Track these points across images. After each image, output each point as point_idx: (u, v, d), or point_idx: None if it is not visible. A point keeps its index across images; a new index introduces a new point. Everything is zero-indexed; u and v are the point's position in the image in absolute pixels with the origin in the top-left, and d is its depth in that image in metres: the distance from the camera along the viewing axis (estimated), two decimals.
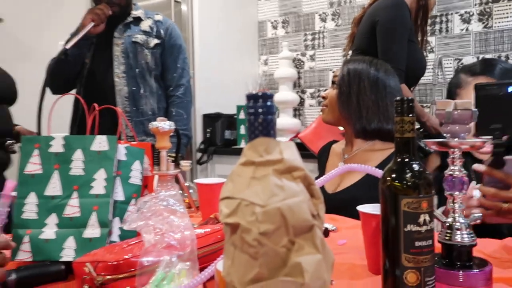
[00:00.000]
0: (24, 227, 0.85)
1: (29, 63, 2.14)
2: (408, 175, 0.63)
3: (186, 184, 1.42)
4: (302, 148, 2.09)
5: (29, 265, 0.79)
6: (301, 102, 3.04)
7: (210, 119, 2.67)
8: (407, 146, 0.65)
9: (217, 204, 1.27)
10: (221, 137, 2.65)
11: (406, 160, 0.65)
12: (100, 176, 0.87)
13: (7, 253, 0.71)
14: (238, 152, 2.64)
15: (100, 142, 0.89)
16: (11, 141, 1.58)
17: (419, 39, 2.04)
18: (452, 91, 1.38)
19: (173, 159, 1.35)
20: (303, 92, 3.06)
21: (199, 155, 2.67)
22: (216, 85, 2.80)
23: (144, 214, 0.71)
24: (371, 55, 1.87)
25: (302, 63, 3.06)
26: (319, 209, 0.45)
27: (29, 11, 2.83)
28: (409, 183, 0.63)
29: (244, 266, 0.41)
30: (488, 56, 2.40)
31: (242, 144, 2.69)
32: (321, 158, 1.56)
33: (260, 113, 0.44)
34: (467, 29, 2.48)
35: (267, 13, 3.23)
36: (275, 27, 3.20)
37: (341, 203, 1.23)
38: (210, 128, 2.65)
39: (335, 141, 1.57)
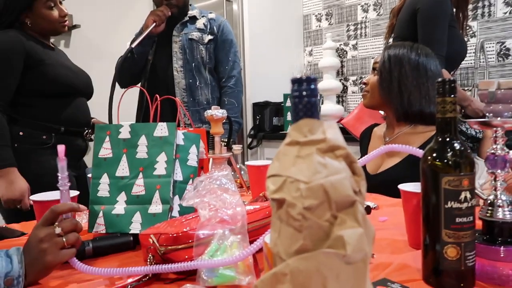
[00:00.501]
0: (99, 203, 0.89)
1: (101, 62, 2.22)
2: (449, 153, 0.59)
3: (238, 166, 1.43)
4: (345, 133, 2.04)
5: (103, 236, 0.83)
6: (344, 90, 2.96)
7: (259, 107, 2.67)
8: (449, 126, 0.61)
9: (266, 184, 1.27)
10: (270, 124, 2.65)
11: (448, 139, 0.61)
12: (162, 159, 0.89)
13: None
14: (285, 136, 2.61)
15: (162, 129, 0.91)
16: (88, 131, 1.67)
17: (460, 24, 1.91)
18: None
19: (226, 143, 1.36)
20: (346, 80, 2.98)
21: (249, 140, 2.68)
22: (265, 76, 2.78)
23: (200, 192, 0.72)
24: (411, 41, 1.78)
25: (345, 52, 2.97)
26: (361, 185, 0.43)
27: (101, 17, 2.95)
28: (450, 162, 0.59)
29: (289, 239, 0.41)
30: None
31: (289, 129, 2.67)
32: (363, 141, 1.51)
33: (304, 95, 0.43)
34: (510, 12, 2.29)
35: (311, 7, 3.15)
36: (319, 20, 3.13)
37: (382, 184, 1.19)
38: (259, 116, 2.65)
39: (376, 125, 1.52)
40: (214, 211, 0.69)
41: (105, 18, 2.96)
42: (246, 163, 1.31)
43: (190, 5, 1.95)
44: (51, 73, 1.54)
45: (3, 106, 1.47)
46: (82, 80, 1.67)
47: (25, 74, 1.51)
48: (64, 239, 0.68)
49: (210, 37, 1.89)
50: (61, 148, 0.70)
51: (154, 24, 1.73)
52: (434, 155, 0.60)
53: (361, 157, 1.44)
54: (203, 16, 1.93)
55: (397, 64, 1.27)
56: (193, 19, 1.91)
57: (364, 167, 1.33)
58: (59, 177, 0.72)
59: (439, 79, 0.61)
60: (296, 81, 0.43)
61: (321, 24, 3.11)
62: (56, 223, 0.69)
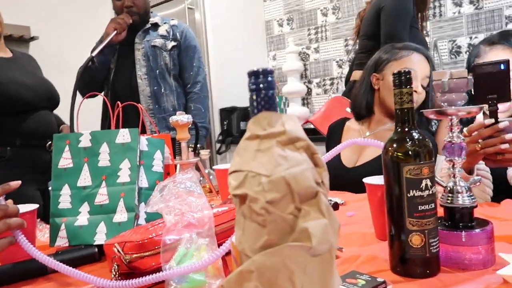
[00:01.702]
0: (60, 216, 0.84)
1: (62, 73, 2.14)
2: (408, 143, 0.60)
3: (206, 171, 1.41)
4: (313, 133, 2.05)
5: (65, 250, 0.79)
6: (309, 92, 2.99)
7: (227, 112, 2.65)
8: (407, 117, 0.62)
9: (228, 181, 1.24)
10: (237, 128, 2.63)
11: (406, 129, 0.62)
12: (125, 166, 0.86)
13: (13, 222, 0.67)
14: None
15: (124, 135, 0.88)
16: (51, 142, 1.58)
17: (420, 25, 1.98)
18: (471, 61, 1.30)
19: (193, 149, 1.34)
20: (310, 82, 3.01)
21: (218, 145, 2.66)
22: (230, 81, 2.77)
23: (164, 197, 0.69)
24: (376, 40, 1.83)
25: (307, 55, 3.01)
26: (323, 176, 0.42)
27: (60, 27, 2.85)
28: (409, 151, 0.59)
29: (253, 234, 0.39)
30: (481, 36, 2.31)
31: (248, 124, 2.66)
32: (332, 135, 1.49)
33: (261, 88, 0.41)
34: (459, 12, 2.39)
35: (273, 13, 3.18)
36: (280, 25, 3.15)
37: (359, 178, 1.18)
38: (226, 121, 2.63)
39: (347, 119, 1.51)
40: (180, 215, 0.67)
41: (64, 28, 2.86)
42: (214, 167, 1.29)
43: (151, 12, 1.92)
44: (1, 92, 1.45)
45: None
46: (40, 93, 1.57)
47: None
48: None
49: (173, 43, 1.86)
50: None
51: (115, 32, 1.69)
52: (394, 146, 0.61)
53: (328, 150, 1.44)
54: (165, 23, 1.90)
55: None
56: (155, 26, 1.88)
57: (340, 160, 1.33)
58: None
59: (395, 71, 0.62)
60: (252, 74, 0.42)
61: (283, 29, 3.14)
62: None
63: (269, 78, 0.42)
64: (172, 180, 0.72)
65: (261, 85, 0.41)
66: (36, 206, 0.86)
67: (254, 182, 0.39)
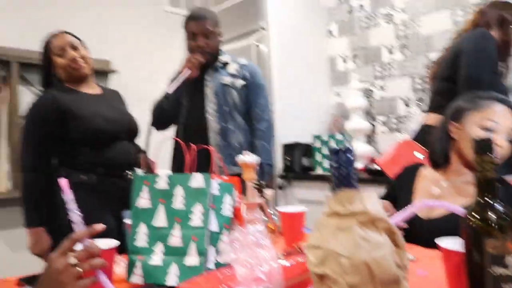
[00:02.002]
0: (136, 253, 0.90)
1: (137, 105, 2.30)
2: (492, 215, 0.57)
3: (270, 211, 1.42)
4: (378, 174, 2.00)
5: None
6: (373, 130, 2.94)
7: (289, 148, 2.67)
8: (489, 186, 0.59)
9: (298, 230, 1.24)
10: (299, 164, 2.64)
11: (488, 199, 0.59)
12: (198, 210, 0.90)
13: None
14: (315, 177, 2.63)
15: (198, 180, 0.93)
16: (129, 173, 1.69)
17: (502, 71, 1.87)
18: None
19: (258, 186, 1.36)
20: (374, 119, 2.95)
21: (280, 181, 2.67)
22: (294, 117, 2.81)
23: (235, 248, 0.72)
24: (454, 83, 1.76)
25: (372, 92, 2.97)
26: (403, 258, 0.42)
27: (137, 63, 3.09)
28: (493, 224, 0.57)
29: None
30: None
31: (319, 170, 2.65)
32: (404, 178, 1.42)
33: (341, 165, 0.43)
34: None
35: (338, 49, 3.20)
36: (345, 61, 3.16)
37: (434, 232, 1.10)
38: (289, 156, 2.65)
39: (421, 164, 1.43)
40: (249, 269, 0.69)
41: (141, 62, 3.10)
42: (278, 208, 1.31)
43: (221, 51, 2.02)
44: (85, 125, 1.57)
45: (40, 168, 1.57)
46: (120, 126, 1.69)
47: (62, 126, 1.56)
48: (80, 269, 0.66)
49: (242, 82, 1.94)
50: (63, 182, 0.71)
51: (189, 70, 1.80)
52: (476, 215, 0.58)
53: (402, 194, 1.36)
54: (235, 62, 1.98)
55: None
56: (225, 64, 1.97)
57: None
58: (68, 209, 0.71)
59: (476, 138, 0.60)
60: (333, 151, 0.43)
61: (347, 65, 3.14)
62: (71, 253, 0.68)
63: (349, 156, 0.43)
64: (243, 231, 0.75)
65: (341, 163, 0.43)
66: (116, 243, 0.92)
67: (335, 262, 0.40)
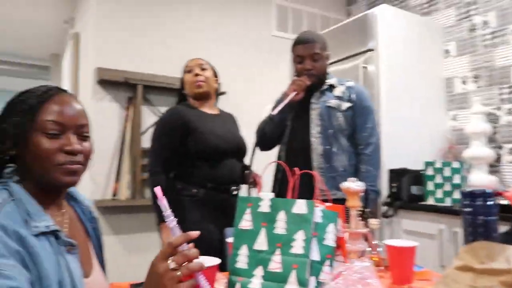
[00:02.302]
0: (237, 274, 0.90)
1: (244, 124, 2.37)
2: None
3: (375, 242, 1.32)
4: (506, 209, 1.73)
5: None
6: (498, 159, 2.59)
7: (397, 174, 2.49)
8: None
9: (407, 268, 1.13)
10: (407, 192, 2.44)
11: None
12: (300, 237, 0.87)
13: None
14: (426, 208, 2.39)
15: (300, 206, 0.90)
16: (234, 188, 1.82)
17: None
18: None
19: (361, 213, 1.28)
20: (500, 147, 2.61)
21: (384, 208, 2.50)
22: (403, 141, 2.62)
23: (340, 285, 0.67)
24: None
25: (497, 117, 2.64)
26: None
27: (245, 85, 3.23)
28: None
29: None
30: None
31: (430, 200, 2.42)
32: None
33: (480, 213, 0.36)
34: None
35: (455, 69, 2.93)
36: (464, 82, 2.87)
37: None
38: (396, 183, 2.47)
39: None
40: None
41: (248, 84, 3.23)
42: (384, 242, 1.21)
43: (328, 74, 1.99)
44: (201, 140, 1.77)
45: (161, 170, 1.80)
46: (230, 144, 1.84)
47: (183, 139, 1.75)
48: (179, 273, 0.68)
49: (348, 104, 1.88)
50: (157, 190, 0.73)
51: (295, 93, 1.80)
52: None
53: None
54: (341, 84, 1.94)
55: None
56: (331, 87, 1.94)
57: None
58: (164, 215, 0.73)
59: None
60: (469, 195, 0.37)
61: (467, 87, 2.85)
62: (171, 258, 0.69)
63: (489, 202, 0.36)
64: (348, 267, 0.69)
65: (479, 209, 0.36)
66: (217, 261, 0.93)
67: None
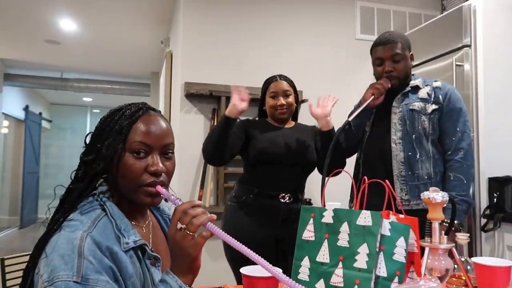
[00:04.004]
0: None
1: None
2: None
3: (463, 259, 1.18)
4: None
5: None
6: None
7: (498, 183, 2.21)
8: None
9: None
10: (511, 203, 2.15)
11: None
12: (363, 250, 0.82)
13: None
14: None
15: (365, 217, 0.84)
16: (284, 194, 1.79)
17: None
18: None
19: (448, 226, 1.16)
20: None
21: (484, 221, 2.23)
22: (505, 146, 2.32)
23: None
24: None
25: None
26: None
27: (324, 91, 3.16)
28: None
29: None
30: None
31: None
32: None
33: None
34: None
35: None
36: None
37: None
38: (497, 193, 2.19)
39: None
40: None
41: (328, 90, 3.14)
42: (473, 259, 1.07)
43: (413, 75, 1.84)
44: (257, 147, 1.82)
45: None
46: (284, 151, 1.82)
47: (243, 146, 1.86)
48: (188, 232, 0.74)
49: (434, 106, 1.72)
50: (161, 190, 0.83)
51: (373, 97, 1.71)
52: None
53: None
54: (427, 85, 1.78)
55: None
56: (416, 88, 1.79)
57: None
58: (171, 200, 0.81)
59: None
60: None
61: None
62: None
63: None
64: (412, 286, 0.63)
65: None
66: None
67: None
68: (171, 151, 0.91)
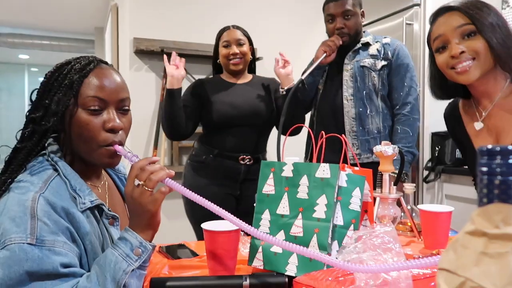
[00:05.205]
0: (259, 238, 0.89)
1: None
2: None
3: (409, 207, 1.26)
4: None
5: (259, 273, 0.82)
6: None
7: (440, 138, 2.36)
8: None
9: (441, 233, 1.06)
10: (451, 156, 2.31)
11: None
12: (322, 202, 0.84)
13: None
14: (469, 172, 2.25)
15: (324, 170, 0.86)
16: (244, 156, 1.77)
17: None
18: None
19: (396, 177, 1.22)
20: None
21: (426, 173, 2.39)
22: (448, 103, 2.46)
23: (358, 249, 0.64)
24: None
25: None
26: None
27: (278, 48, 3.13)
28: None
29: None
30: None
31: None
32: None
33: (497, 172, 0.31)
34: None
35: None
36: None
37: None
38: (439, 147, 2.34)
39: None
40: (373, 274, 0.60)
41: (282, 49, 3.12)
42: (419, 207, 1.15)
43: (364, 32, 1.87)
44: (211, 109, 1.75)
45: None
46: (243, 113, 1.75)
47: (199, 110, 1.79)
48: (146, 188, 0.72)
49: (383, 62, 1.76)
50: (118, 148, 0.81)
51: (325, 54, 1.72)
52: None
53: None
54: (377, 42, 1.81)
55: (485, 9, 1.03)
56: (366, 45, 1.82)
57: None
58: (128, 158, 0.79)
59: None
60: (485, 153, 0.32)
61: None
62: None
63: (510, 160, 0.31)
64: (369, 232, 0.66)
65: (497, 169, 0.31)
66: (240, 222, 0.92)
67: None
68: (127, 106, 0.87)
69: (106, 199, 0.92)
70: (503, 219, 0.30)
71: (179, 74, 1.68)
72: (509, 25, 1.06)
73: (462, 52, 1.02)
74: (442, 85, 1.19)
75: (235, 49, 1.80)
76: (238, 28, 1.86)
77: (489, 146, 0.31)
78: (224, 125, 1.76)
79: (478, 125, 1.14)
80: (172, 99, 1.67)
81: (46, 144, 0.82)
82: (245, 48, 1.82)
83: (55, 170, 0.79)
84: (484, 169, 0.31)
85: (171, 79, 1.67)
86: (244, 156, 1.76)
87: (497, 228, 0.30)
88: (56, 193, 0.74)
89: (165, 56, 1.76)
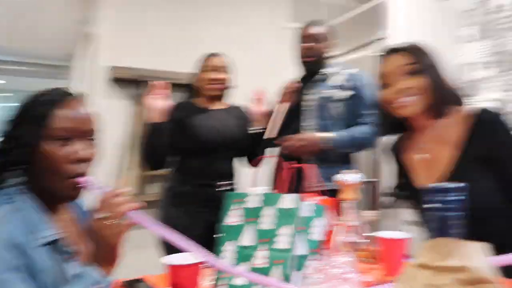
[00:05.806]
0: (222, 270, 0.88)
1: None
2: None
3: (367, 234, 1.29)
4: None
5: None
6: None
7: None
8: None
9: (398, 260, 1.10)
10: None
11: None
12: (285, 232, 0.85)
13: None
14: None
15: (288, 200, 0.88)
16: (219, 182, 1.71)
17: None
18: None
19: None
20: None
21: (385, 199, 2.46)
22: None
23: (319, 279, 0.65)
24: None
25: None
26: None
27: (256, 76, 3.17)
28: None
29: None
30: None
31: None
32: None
33: (438, 208, 0.34)
34: None
35: (471, 56, 2.84)
36: (484, 68, 2.79)
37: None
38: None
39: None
40: None
41: (252, 79, 3.15)
42: (375, 234, 1.18)
43: (329, 62, 1.93)
44: (187, 136, 1.69)
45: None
46: (223, 138, 1.73)
47: (175, 134, 1.67)
48: (110, 221, 0.73)
49: (349, 92, 1.83)
50: (82, 180, 0.80)
51: (286, 104, 1.80)
52: None
53: None
54: (342, 73, 1.88)
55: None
56: (329, 76, 1.88)
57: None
58: (93, 190, 0.79)
59: None
60: (428, 191, 0.35)
61: (483, 73, 2.77)
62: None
63: (450, 197, 0.34)
64: (329, 262, 0.68)
65: (437, 204, 0.34)
66: (201, 260, 0.90)
67: None
68: (93, 138, 0.86)
69: (67, 232, 0.89)
70: (447, 252, 0.33)
71: (164, 105, 1.59)
72: (443, 69, 1.17)
73: (405, 88, 1.11)
74: (386, 121, 1.26)
75: (219, 74, 1.79)
76: (223, 56, 1.85)
77: (431, 185, 0.34)
78: (203, 150, 1.72)
79: (417, 157, 1.21)
80: (160, 132, 1.60)
81: (8, 177, 0.80)
82: (224, 75, 1.82)
83: (13, 204, 0.77)
84: (429, 205, 0.34)
85: (155, 112, 1.57)
86: (222, 182, 1.74)
87: (441, 261, 0.33)
88: (12, 230, 0.72)
89: (147, 87, 1.65)
